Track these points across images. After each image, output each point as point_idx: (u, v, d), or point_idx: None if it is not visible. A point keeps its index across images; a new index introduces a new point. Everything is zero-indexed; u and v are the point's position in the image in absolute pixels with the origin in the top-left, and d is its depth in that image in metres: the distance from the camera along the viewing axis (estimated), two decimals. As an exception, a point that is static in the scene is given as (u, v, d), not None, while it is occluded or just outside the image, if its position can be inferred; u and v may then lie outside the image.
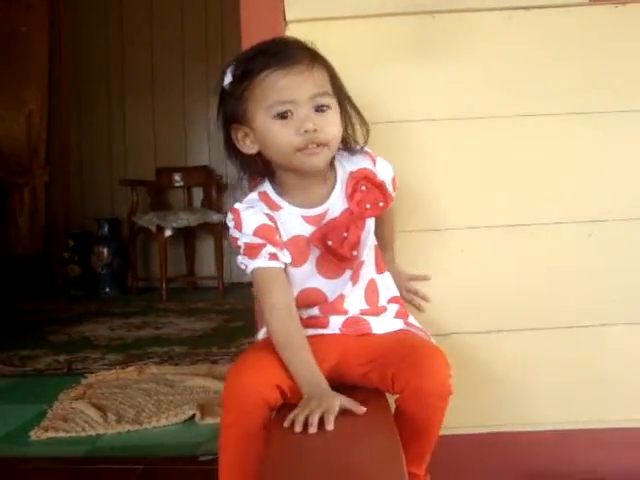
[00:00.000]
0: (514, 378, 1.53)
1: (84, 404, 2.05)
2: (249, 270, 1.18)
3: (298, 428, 0.97)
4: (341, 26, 1.50)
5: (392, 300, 1.28)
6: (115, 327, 3.52)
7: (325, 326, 1.21)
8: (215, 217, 4.61)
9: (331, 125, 1.15)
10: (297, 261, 1.19)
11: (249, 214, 1.17)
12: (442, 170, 1.50)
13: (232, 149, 1.21)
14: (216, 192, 4.84)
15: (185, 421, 1.90)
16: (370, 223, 1.23)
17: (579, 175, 1.51)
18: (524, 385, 1.53)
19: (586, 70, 1.49)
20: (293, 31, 1.49)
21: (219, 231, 4.69)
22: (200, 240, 5.04)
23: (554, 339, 1.52)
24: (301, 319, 1.19)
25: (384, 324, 1.22)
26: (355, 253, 1.19)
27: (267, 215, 1.17)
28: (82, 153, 5.17)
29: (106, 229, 4.95)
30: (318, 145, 1.13)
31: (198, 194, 5.08)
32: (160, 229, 4.49)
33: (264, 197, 1.20)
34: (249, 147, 1.18)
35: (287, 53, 1.14)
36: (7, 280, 4.57)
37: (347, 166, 1.23)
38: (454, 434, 1.45)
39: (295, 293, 1.20)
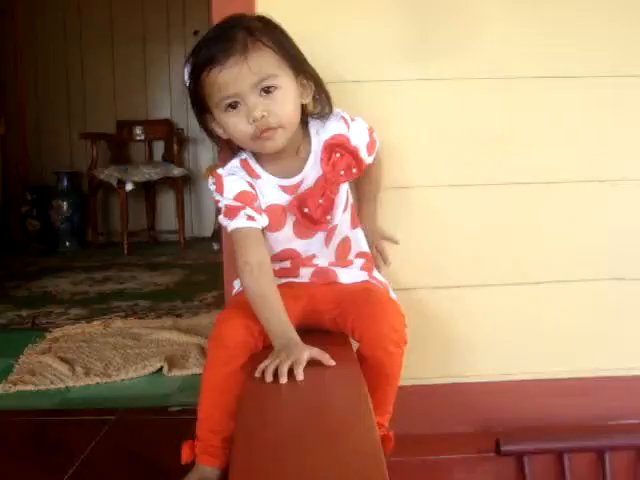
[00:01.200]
0: (473, 331, 1.61)
1: (51, 358, 2.06)
2: (229, 230, 1.23)
3: (269, 378, 1.01)
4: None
5: (360, 255, 1.35)
6: (77, 282, 3.51)
7: (296, 276, 1.29)
8: (176, 171, 4.59)
9: (282, 105, 1.17)
10: (275, 227, 1.26)
11: (230, 180, 1.23)
12: (412, 129, 1.54)
13: (210, 134, 1.26)
14: (177, 146, 4.81)
15: (153, 373, 1.93)
16: (343, 192, 1.29)
17: (540, 135, 1.56)
18: (481, 338, 1.61)
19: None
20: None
21: (180, 185, 4.68)
22: (161, 194, 5.02)
23: (512, 295, 1.59)
24: (273, 270, 1.24)
25: (350, 274, 1.30)
26: (329, 217, 1.26)
27: (248, 183, 1.23)
28: (39, 105, 5.05)
29: (65, 183, 4.87)
30: (272, 129, 1.17)
31: (159, 148, 5.03)
32: (121, 183, 4.45)
33: (245, 165, 1.26)
34: (222, 134, 1.24)
35: (222, 46, 1.14)
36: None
37: (322, 134, 1.27)
38: (415, 384, 1.52)
39: (273, 253, 1.27)
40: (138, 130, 4.91)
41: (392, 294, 1.31)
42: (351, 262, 1.33)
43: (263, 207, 1.24)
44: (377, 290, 1.27)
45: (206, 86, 1.17)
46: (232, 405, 1.09)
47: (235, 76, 1.14)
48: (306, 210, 1.23)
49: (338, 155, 1.24)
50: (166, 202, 5.01)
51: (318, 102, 1.27)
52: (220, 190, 1.23)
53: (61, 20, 4.95)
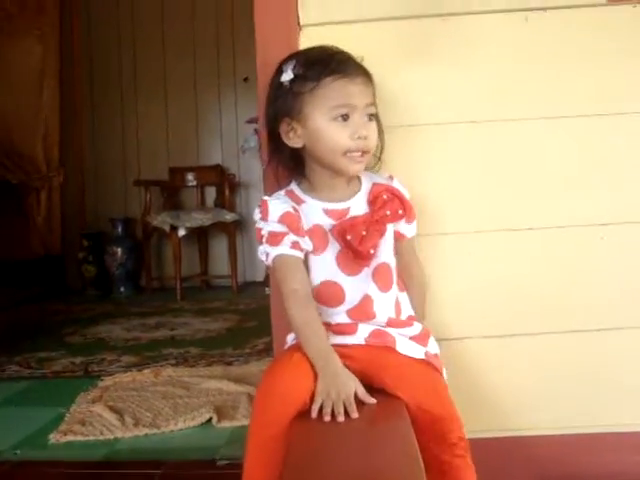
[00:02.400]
0: (529, 382, 1.53)
1: (101, 407, 2.06)
2: (271, 258, 1.24)
3: (328, 418, 1.08)
4: (355, 29, 1.50)
5: (413, 318, 1.32)
6: (130, 328, 3.53)
7: (353, 333, 1.25)
8: (228, 216, 4.62)
9: (374, 134, 1.26)
10: (317, 249, 1.26)
11: (276, 203, 1.26)
12: (450, 174, 1.50)
13: (275, 140, 1.30)
14: (229, 191, 4.85)
15: (202, 424, 1.90)
16: (390, 236, 1.30)
17: (588, 177, 1.50)
18: (539, 389, 1.53)
19: (603, 72, 1.48)
20: (307, 35, 1.49)
21: (232, 230, 4.70)
22: (213, 239, 5.05)
23: (570, 343, 1.52)
24: (329, 326, 1.24)
25: (408, 345, 1.25)
26: (372, 252, 1.25)
27: (292, 207, 1.25)
28: (96, 154, 5.19)
29: (120, 229, 4.97)
30: (365, 153, 1.24)
31: (211, 193, 5.09)
32: (174, 229, 4.51)
33: (290, 194, 1.30)
34: (294, 141, 1.27)
35: (351, 63, 1.25)
36: (24, 281, 4.60)
37: (371, 179, 1.33)
38: (470, 438, 1.45)
39: (315, 283, 1.26)
40: (190, 176, 4.99)
41: (445, 374, 1.27)
42: (410, 324, 1.29)
43: (306, 229, 1.24)
44: (440, 392, 1.21)
45: (324, 90, 1.21)
46: (277, 467, 1.05)
47: (360, 91, 1.23)
48: (348, 237, 1.23)
49: (385, 197, 1.28)
50: (218, 247, 5.04)
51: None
52: (265, 214, 1.25)
53: (116, 71, 5.10)
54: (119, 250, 4.94)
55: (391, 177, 1.34)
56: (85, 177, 5.22)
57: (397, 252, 1.34)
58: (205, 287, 5.02)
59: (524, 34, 1.48)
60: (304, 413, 1.10)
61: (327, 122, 1.22)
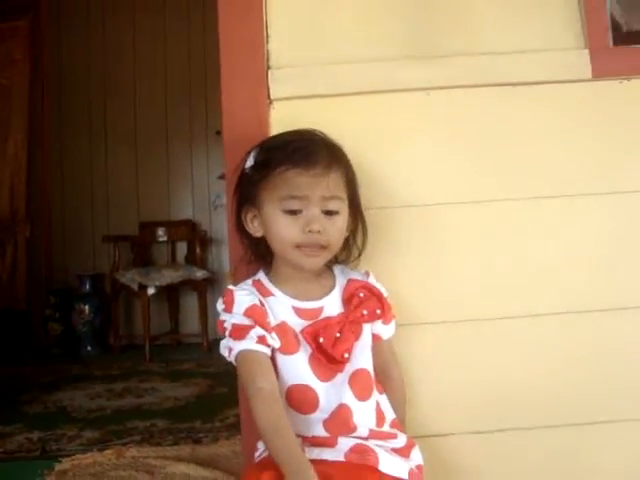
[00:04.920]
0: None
1: (57, 499, 1.90)
2: (234, 353, 1.13)
3: None
4: (327, 104, 1.42)
5: (395, 425, 1.22)
6: (94, 395, 3.35)
7: (331, 446, 1.13)
8: (199, 274, 4.49)
9: (336, 230, 1.18)
10: (286, 348, 1.15)
11: (242, 294, 1.16)
12: (427, 260, 1.41)
13: (241, 229, 1.25)
14: (200, 247, 4.73)
15: (166, 520, 1.76)
16: (366, 338, 1.20)
17: (580, 263, 1.42)
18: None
19: (591, 149, 1.41)
20: (278, 110, 1.41)
21: (203, 287, 4.57)
22: (184, 296, 4.90)
23: (561, 438, 1.42)
24: (305, 439, 1.13)
25: (391, 463, 1.13)
26: (346, 356, 1.15)
27: (258, 299, 1.16)
28: (64, 208, 5.05)
29: (87, 286, 4.80)
30: (319, 248, 1.16)
31: (182, 248, 4.96)
32: (143, 287, 4.36)
33: (257, 284, 1.21)
34: (256, 229, 1.22)
35: (308, 152, 1.17)
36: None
37: (346, 275, 1.24)
38: None
39: (286, 386, 1.15)
40: (160, 231, 4.87)
41: None
42: (394, 436, 1.19)
43: (273, 324, 1.14)
44: None
45: (275, 180, 1.16)
46: None
47: (313, 184, 1.15)
48: (321, 340, 1.13)
49: (362, 295, 1.19)
50: (189, 304, 4.89)
51: (347, 248, 1.26)
52: (229, 306, 1.15)
53: (86, 123, 5.00)
54: (86, 307, 4.77)
55: (367, 273, 1.26)
56: (53, 231, 5.07)
57: (373, 352, 1.23)
58: (175, 345, 4.85)
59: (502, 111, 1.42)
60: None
61: (277, 213, 1.17)
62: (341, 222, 1.19)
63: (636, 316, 1.41)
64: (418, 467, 1.18)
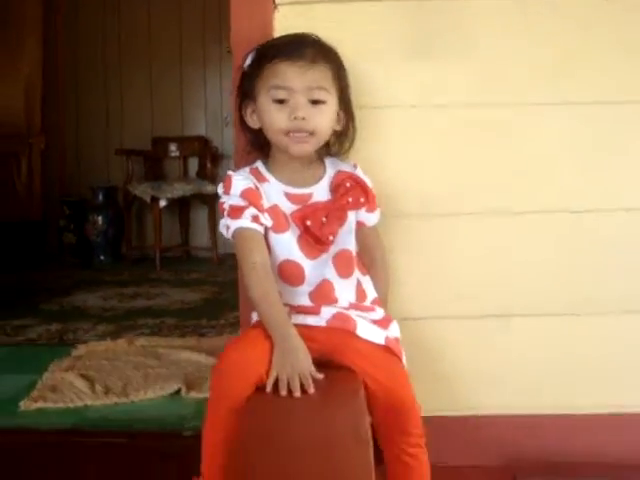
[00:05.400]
0: (492, 363, 1.57)
1: (73, 375, 2.08)
2: (231, 231, 1.27)
3: (284, 393, 1.12)
4: (330, 9, 1.51)
5: (376, 302, 1.35)
6: (107, 297, 3.54)
7: (315, 314, 1.28)
8: (210, 188, 4.62)
9: (321, 117, 1.27)
10: (277, 228, 1.28)
11: (239, 179, 1.29)
12: (422, 155, 1.53)
13: (243, 123, 1.35)
14: (211, 163, 4.84)
15: (171, 394, 1.94)
16: (351, 224, 1.33)
17: (564, 164, 1.53)
18: (500, 370, 1.57)
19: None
20: (283, 13, 1.50)
21: (214, 202, 4.70)
22: (195, 210, 5.06)
23: (532, 326, 1.56)
24: (292, 307, 1.28)
25: (369, 330, 1.28)
26: (331, 238, 1.29)
27: (254, 184, 1.29)
28: (78, 121, 5.16)
29: (101, 197, 4.95)
30: (305, 134, 1.26)
31: (193, 164, 5.09)
32: (155, 199, 4.50)
33: (254, 172, 1.33)
34: (254, 122, 1.33)
35: (297, 46, 1.28)
36: (2, 246, 4.58)
37: (336, 166, 1.36)
38: (433, 415, 1.49)
39: (277, 262, 1.29)
40: (173, 147, 4.98)
41: (404, 358, 1.30)
42: (373, 308, 1.33)
43: (266, 206, 1.28)
44: (400, 377, 1.25)
45: (266, 72, 1.27)
46: (234, 440, 1.08)
47: (297, 74, 1.25)
48: (308, 223, 1.27)
49: (348, 184, 1.32)
50: (200, 218, 5.04)
51: (339, 141, 1.37)
52: (227, 188, 1.28)
53: (101, 42, 5.06)
54: (100, 218, 4.93)
55: (355, 165, 1.37)
56: (67, 145, 5.19)
57: (359, 238, 1.37)
58: (186, 258, 5.03)
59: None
60: (261, 387, 1.14)
61: (268, 103, 1.27)
62: (327, 111, 1.28)
63: (612, 217, 1.53)
64: (396, 339, 1.32)
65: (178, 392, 1.94)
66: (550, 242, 1.54)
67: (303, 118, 1.24)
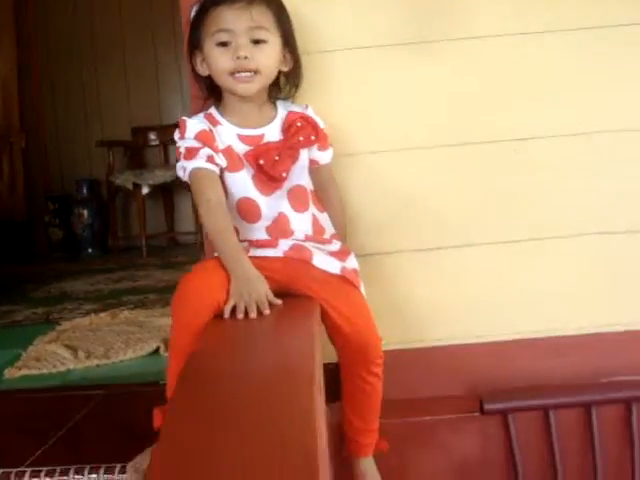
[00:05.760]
0: (452, 293, 1.61)
1: (57, 345, 2.13)
2: (187, 172, 1.31)
3: (241, 316, 1.15)
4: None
5: (335, 237, 1.40)
6: (94, 282, 3.59)
7: (273, 247, 1.32)
8: (191, 173, 4.64)
9: (264, 56, 1.32)
10: (232, 167, 1.32)
11: (193, 122, 1.34)
12: (373, 92, 1.56)
13: (195, 73, 1.40)
14: (191, 148, 4.85)
15: (150, 354, 1.99)
16: (303, 162, 1.38)
17: (500, 95, 1.57)
18: (461, 300, 1.62)
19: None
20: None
21: (196, 187, 4.73)
22: (178, 196, 5.07)
23: (487, 254, 1.60)
24: (250, 242, 1.32)
25: (325, 260, 1.32)
26: (284, 175, 1.33)
27: (208, 127, 1.33)
28: (57, 117, 5.18)
29: (85, 190, 4.98)
30: (249, 73, 1.30)
31: (174, 151, 5.08)
32: (137, 187, 4.54)
33: (208, 116, 1.37)
34: (204, 70, 1.37)
35: None
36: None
37: (287, 108, 1.40)
38: (397, 349, 1.54)
39: (234, 200, 1.33)
40: (152, 135, 5.01)
41: (362, 289, 1.34)
42: (330, 241, 1.38)
43: (220, 148, 1.32)
44: (358, 304, 1.30)
45: (208, 19, 1.31)
46: None
47: (236, 16, 1.29)
48: (261, 162, 1.31)
49: (299, 124, 1.36)
50: (184, 205, 5.06)
51: (289, 84, 1.42)
52: (182, 132, 1.33)
53: (74, 32, 5.07)
54: (85, 212, 4.96)
55: (306, 106, 1.41)
56: (48, 141, 5.21)
57: (314, 177, 1.42)
58: (172, 244, 5.06)
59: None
60: (219, 316, 1.18)
61: (212, 47, 1.31)
62: (269, 50, 1.32)
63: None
64: (354, 270, 1.37)
65: (157, 351, 1.99)
66: (501, 170, 1.59)
67: (245, 57, 1.28)
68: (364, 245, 1.55)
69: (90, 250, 4.99)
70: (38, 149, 5.17)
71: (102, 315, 2.54)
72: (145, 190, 4.55)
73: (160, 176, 4.57)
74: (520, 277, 1.62)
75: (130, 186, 4.53)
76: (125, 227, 5.09)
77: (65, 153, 5.18)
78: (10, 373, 1.92)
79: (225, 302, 1.19)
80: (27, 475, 1.21)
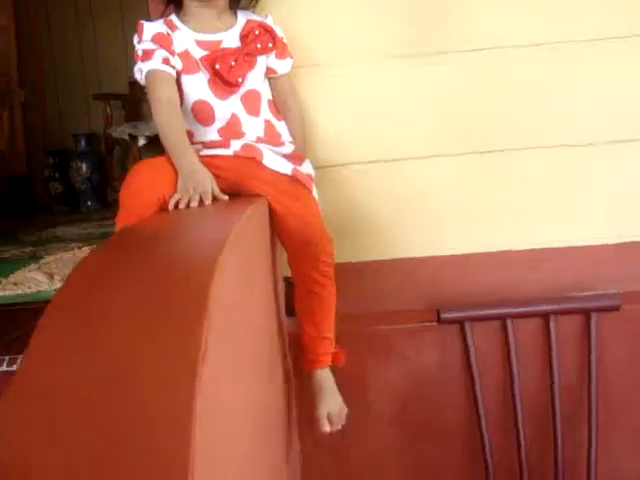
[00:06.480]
0: (409, 206, 1.62)
1: (36, 272, 2.16)
2: (143, 74, 1.33)
3: (182, 206, 1.17)
4: None
5: (291, 143, 1.42)
6: (86, 227, 3.62)
7: (225, 147, 1.35)
8: (187, 125, 4.64)
9: None
10: (188, 70, 1.34)
11: (150, 25, 1.36)
12: (333, 3, 1.56)
13: None
14: (188, 101, 4.85)
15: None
16: (260, 69, 1.39)
17: None
18: (418, 212, 1.63)
19: None
20: None
21: (193, 139, 4.73)
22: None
23: (452, 166, 1.60)
24: (203, 143, 1.34)
25: (276, 161, 1.34)
26: (240, 80, 1.35)
27: (166, 31, 1.35)
28: (56, 72, 5.18)
29: (83, 144, 5.00)
30: None
31: (171, 105, 5.09)
32: (133, 138, 4.54)
33: (167, 22, 1.39)
34: None
35: None
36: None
37: (247, 17, 1.42)
38: (350, 262, 1.55)
39: (190, 102, 1.36)
40: (149, 87, 5.00)
41: (315, 192, 1.36)
42: (282, 143, 1.39)
43: (178, 51, 1.33)
44: (308, 203, 1.32)
45: None
46: None
47: None
48: (217, 66, 1.32)
49: (258, 32, 1.38)
50: (181, 158, 5.07)
51: None
52: (140, 35, 1.34)
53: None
54: (84, 165, 4.98)
55: (267, 15, 1.43)
56: (47, 95, 5.22)
57: (273, 87, 1.43)
58: (170, 196, 5.06)
59: None
60: (164, 208, 1.19)
61: None
62: None
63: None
64: (309, 175, 1.38)
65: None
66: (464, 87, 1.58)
67: None
68: (324, 158, 1.56)
69: (90, 203, 5.01)
70: (37, 104, 5.19)
71: (85, 249, 2.57)
72: (142, 141, 4.55)
73: (155, 128, 4.56)
74: (485, 189, 1.62)
75: (127, 137, 4.53)
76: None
77: (64, 107, 5.19)
78: (-14, 296, 1.96)
79: (171, 196, 1.21)
80: None
